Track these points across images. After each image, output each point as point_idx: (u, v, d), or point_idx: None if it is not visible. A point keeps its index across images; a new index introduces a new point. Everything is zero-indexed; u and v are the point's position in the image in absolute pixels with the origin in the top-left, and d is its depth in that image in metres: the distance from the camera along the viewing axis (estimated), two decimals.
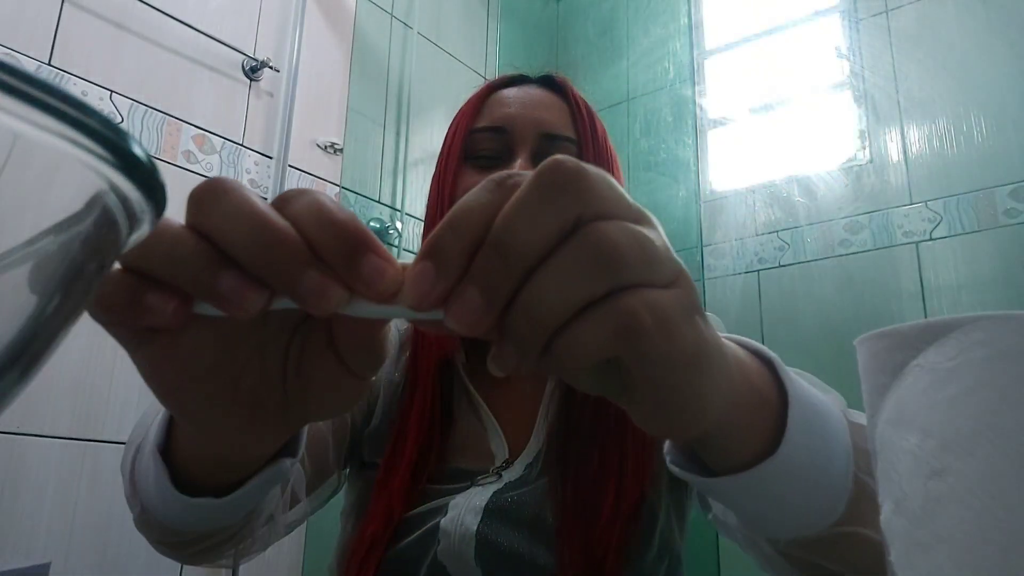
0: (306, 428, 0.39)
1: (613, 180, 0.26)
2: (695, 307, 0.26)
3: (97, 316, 0.25)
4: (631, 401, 0.29)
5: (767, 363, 0.37)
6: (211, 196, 0.24)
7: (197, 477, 0.38)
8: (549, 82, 0.76)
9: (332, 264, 0.24)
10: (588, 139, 0.71)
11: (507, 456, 0.67)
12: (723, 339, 0.31)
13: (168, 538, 0.47)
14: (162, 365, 0.27)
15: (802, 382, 0.38)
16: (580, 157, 0.69)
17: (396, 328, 0.77)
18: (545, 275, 0.24)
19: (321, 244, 0.24)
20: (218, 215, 0.24)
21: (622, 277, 0.24)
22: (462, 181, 0.71)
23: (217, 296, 0.24)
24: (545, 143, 0.70)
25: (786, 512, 0.37)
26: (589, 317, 0.24)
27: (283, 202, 0.25)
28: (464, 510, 0.63)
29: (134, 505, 0.47)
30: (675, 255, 0.27)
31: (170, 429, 0.39)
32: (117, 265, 0.25)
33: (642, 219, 0.26)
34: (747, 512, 0.39)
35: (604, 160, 0.72)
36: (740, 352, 0.35)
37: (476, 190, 0.25)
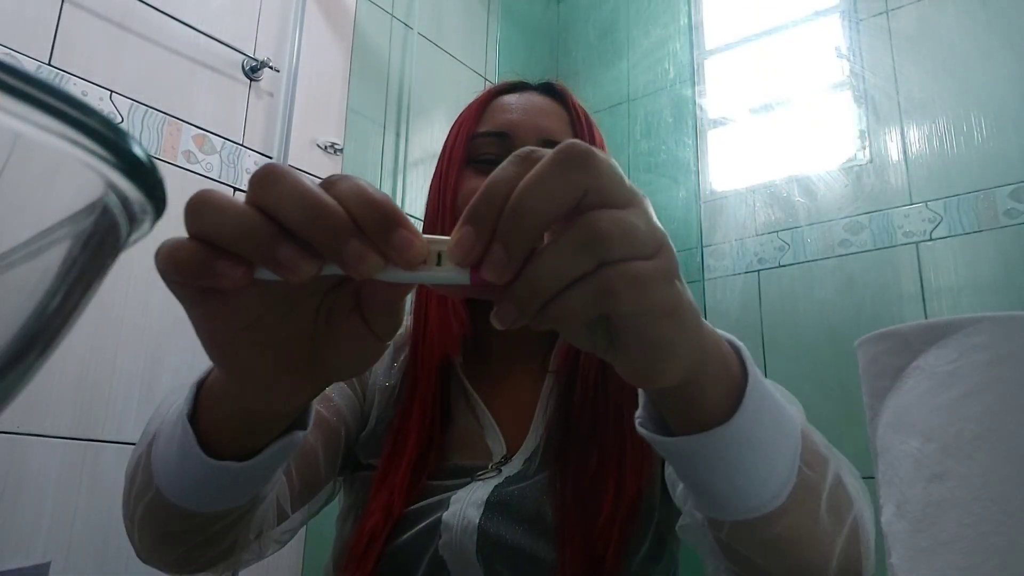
0: (313, 411, 0.43)
1: (615, 163, 0.31)
2: (672, 273, 0.32)
3: (171, 277, 0.30)
4: (617, 353, 0.34)
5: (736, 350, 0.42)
6: (270, 178, 0.29)
7: (222, 440, 0.41)
8: (549, 89, 0.78)
9: (370, 235, 0.29)
10: None
11: (504, 452, 0.68)
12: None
13: (174, 525, 0.47)
14: (215, 319, 0.32)
15: (765, 380, 0.41)
16: None
17: None
18: (545, 255, 0.29)
19: (361, 218, 0.29)
20: (275, 194, 0.29)
21: (606, 256, 0.29)
22: (463, 184, 0.72)
23: (277, 264, 0.29)
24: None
25: (734, 486, 0.40)
26: (578, 287, 0.30)
27: (329, 184, 0.30)
28: (466, 504, 0.63)
29: (144, 493, 0.47)
30: (658, 230, 0.32)
31: (195, 402, 0.42)
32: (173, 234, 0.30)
33: (634, 200, 0.31)
34: (699, 483, 0.42)
35: None
36: (714, 329, 0.40)
37: (505, 163, 0.31)
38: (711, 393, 0.38)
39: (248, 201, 0.29)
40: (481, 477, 0.66)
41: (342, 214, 0.28)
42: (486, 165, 0.73)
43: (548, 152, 0.30)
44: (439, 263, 0.30)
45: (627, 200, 0.31)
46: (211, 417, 0.41)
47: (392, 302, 0.34)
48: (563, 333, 0.34)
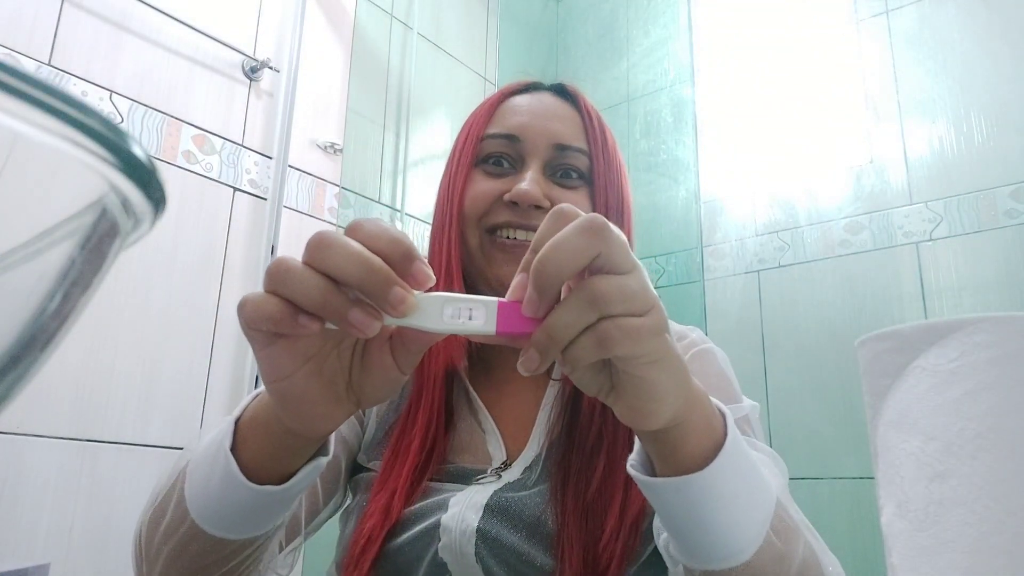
0: (332, 438, 0.49)
1: (624, 237, 0.38)
2: (661, 328, 0.38)
3: (257, 325, 0.38)
4: (616, 396, 0.40)
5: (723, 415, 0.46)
6: (326, 245, 0.36)
7: (260, 467, 0.46)
8: (561, 91, 0.77)
9: (395, 268, 0.36)
10: (599, 150, 0.73)
11: (504, 459, 0.68)
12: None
13: (206, 557, 0.50)
14: (281, 357, 0.40)
15: (747, 447, 0.46)
16: (591, 167, 0.73)
17: None
18: (559, 311, 0.37)
19: (388, 255, 0.36)
20: (334, 258, 0.36)
21: (606, 311, 0.36)
22: (472, 185, 0.72)
23: (349, 324, 0.36)
24: (557, 153, 0.71)
25: (705, 534, 0.44)
26: (584, 335, 0.37)
27: (356, 228, 0.38)
28: (465, 507, 0.63)
29: (177, 527, 0.50)
30: (651, 294, 0.38)
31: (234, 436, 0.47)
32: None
33: (635, 269, 0.38)
34: (675, 527, 0.46)
35: (614, 170, 0.74)
36: (707, 394, 0.45)
37: (545, 221, 0.38)
38: (694, 441, 0.43)
39: (311, 264, 0.36)
40: (481, 481, 0.66)
41: (385, 268, 0.36)
42: (494, 167, 0.72)
43: (578, 214, 0.38)
44: (471, 318, 0.38)
45: (630, 268, 0.37)
46: (253, 446, 0.46)
47: (422, 346, 0.41)
48: (574, 379, 0.41)
